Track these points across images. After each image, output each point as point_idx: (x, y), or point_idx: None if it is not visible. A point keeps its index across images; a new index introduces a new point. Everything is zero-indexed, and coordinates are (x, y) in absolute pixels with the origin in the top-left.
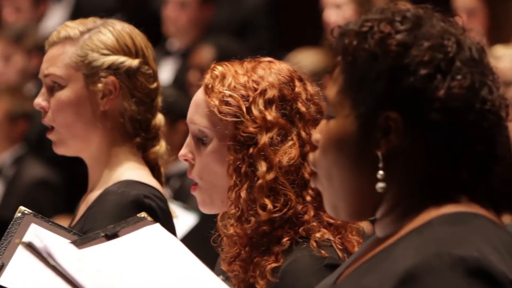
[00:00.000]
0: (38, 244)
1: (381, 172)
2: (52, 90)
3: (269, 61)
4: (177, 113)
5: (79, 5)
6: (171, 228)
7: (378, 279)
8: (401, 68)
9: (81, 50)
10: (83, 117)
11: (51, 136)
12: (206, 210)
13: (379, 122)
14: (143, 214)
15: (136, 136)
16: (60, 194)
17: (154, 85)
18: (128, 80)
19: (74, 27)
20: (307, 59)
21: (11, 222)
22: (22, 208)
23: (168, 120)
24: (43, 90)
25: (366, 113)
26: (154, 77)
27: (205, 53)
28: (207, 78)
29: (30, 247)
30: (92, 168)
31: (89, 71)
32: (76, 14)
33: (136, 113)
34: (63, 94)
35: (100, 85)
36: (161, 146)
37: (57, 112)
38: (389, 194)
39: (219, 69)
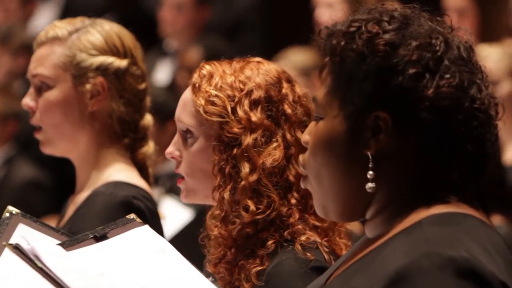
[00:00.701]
0: (25, 245)
1: (370, 172)
2: (40, 90)
3: (258, 62)
4: (166, 113)
5: (68, 5)
6: (159, 229)
7: (368, 280)
8: (390, 67)
9: (69, 50)
10: (71, 118)
11: (38, 136)
12: (187, 201)
13: (369, 122)
14: (132, 216)
15: (124, 137)
16: (51, 194)
17: (143, 85)
18: (117, 80)
19: (63, 27)
20: (297, 57)
21: None
22: (10, 208)
23: (157, 120)
24: (31, 90)
25: (355, 113)
26: (143, 77)
27: (193, 53)
28: (195, 77)
29: (17, 249)
30: (80, 168)
31: (77, 72)
32: (65, 14)
33: (125, 114)
34: (51, 95)
35: (88, 86)
36: (149, 147)
37: (44, 112)
38: (379, 194)
39: (207, 68)
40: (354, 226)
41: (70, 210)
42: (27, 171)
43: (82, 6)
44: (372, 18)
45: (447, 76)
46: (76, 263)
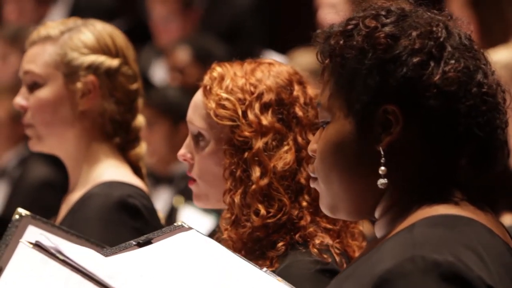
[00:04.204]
0: (46, 242)
1: (383, 168)
2: (32, 88)
3: (269, 63)
4: (179, 114)
5: (77, 6)
6: (157, 225)
7: (356, 284)
8: (392, 59)
9: (61, 49)
10: (62, 116)
11: (28, 132)
12: (200, 205)
13: (378, 117)
14: (180, 222)
15: (115, 136)
16: (64, 194)
17: (135, 86)
18: (108, 80)
19: (55, 27)
20: (305, 58)
21: (9, 225)
22: (19, 210)
23: (170, 121)
24: (23, 89)
25: (362, 110)
26: (135, 77)
27: (182, 53)
28: (206, 79)
29: (38, 246)
30: (71, 167)
31: (68, 70)
32: (74, 15)
33: (116, 113)
34: (42, 93)
35: (79, 84)
36: (142, 148)
37: (35, 110)
38: (388, 192)
39: (218, 70)
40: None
41: (64, 210)
42: (40, 172)
43: (91, 7)
44: (369, 14)
45: (452, 61)
46: (111, 262)
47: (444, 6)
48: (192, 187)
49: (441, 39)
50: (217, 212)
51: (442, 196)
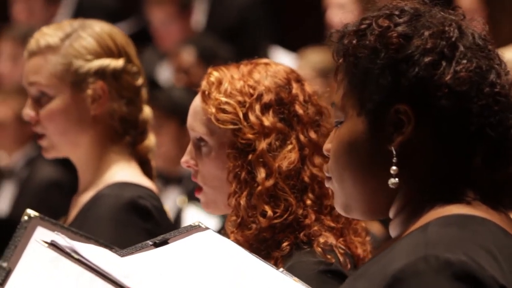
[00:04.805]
0: (61, 242)
1: (394, 167)
2: (39, 99)
3: (266, 63)
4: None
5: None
6: (167, 226)
7: (369, 283)
8: (405, 59)
9: (64, 58)
10: (74, 123)
11: (42, 143)
12: (209, 212)
13: (390, 117)
14: (197, 222)
15: (125, 134)
16: (72, 195)
17: (140, 81)
18: (115, 81)
19: (53, 34)
20: (316, 57)
21: (18, 226)
22: (28, 211)
23: (177, 122)
24: (29, 100)
25: (374, 110)
26: (139, 73)
27: (187, 54)
28: (204, 84)
29: (53, 245)
30: (82, 169)
31: (76, 79)
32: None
33: (125, 112)
34: (53, 105)
35: (89, 91)
36: (150, 140)
37: (48, 122)
38: (401, 192)
39: (215, 74)
40: (374, 228)
41: (74, 211)
42: (48, 172)
43: (95, 7)
44: (382, 14)
45: (464, 61)
46: (127, 262)
47: (458, 5)
48: (200, 196)
49: (453, 39)
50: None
51: (455, 196)
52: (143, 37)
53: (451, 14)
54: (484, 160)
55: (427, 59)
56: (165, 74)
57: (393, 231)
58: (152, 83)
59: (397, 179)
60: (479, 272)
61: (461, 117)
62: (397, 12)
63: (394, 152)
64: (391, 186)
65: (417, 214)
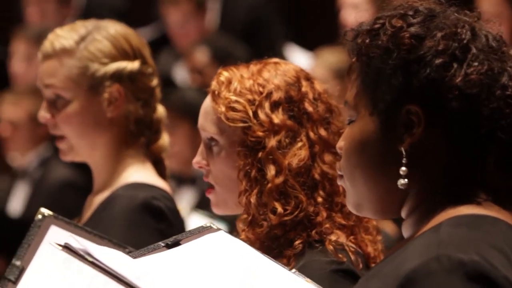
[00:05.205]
0: (75, 244)
1: (403, 168)
2: (54, 102)
3: (275, 62)
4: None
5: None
6: (181, 227)
7: (382, 283)
8: (416, 60)
9: (80, 62)
10: (91, 126)
11: (61, 145)
12: (220, 212)
13: (401, 117)
14: (208, 224)
15: (140, 135)
16: (87, 195)
17: (155, 82)
18: (131, 83)
19: (68, 37)
20: (332, 57)
21: (31, 225)
22: (42, 210)
23: (191, 123)
24: (45, 103)
25: (386, 110)
26: (154, 73)
27: (201, 55)
28: (214, 84)
29: (67, 248)
30: (97, 170)
31: (92, 82)
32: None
33: (140, 113)
34: (69, 108)
35: (105, 95)
36: (164, 139)
37: (65, 125)
38: (412, 192)
39: (225, 74)
40: (387, 227)
41: (88, 211)
42: (62, 172)
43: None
44: (396, 14)
45: (475, 64)
46: (139, 264)
47: (476, 6)
48: (210, 195)
49: (465, 41)
50: (224, 219)
51: (467, 197)
52: (164, 43)
53: (466, 15)
54: (495, 162)
55: (438, 61)
56: (181, 74)
57: (405, 231)
58: (169, 84)
59: (406, 180)
60: (491, 272)
61: (471, 119)
62: (411, 12)
63: (404, 153)
64: (400, 186)
65: (430, 215)
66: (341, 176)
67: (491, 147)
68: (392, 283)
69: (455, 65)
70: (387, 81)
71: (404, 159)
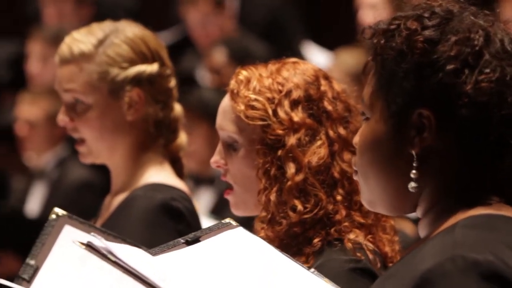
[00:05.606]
0: (97, 243)
1: (414, 171)
2: (74, 106)
3: (294, 62)
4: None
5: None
6: (198, 228)
7: (398, 283)
8: (429, 64)
9: (100, 67)
10: (111, 130)
11: (81, 149)
12: (239, 213)
13: (412, 120)
14: (227, 220)
15: (159, 136)
16: (104, 195)
17: (173, 83)
18: (151, 86)
19: (86, 41)
20: (350, 59)
21: (45, 224)
22: (56, 210)
23: (209, 123)
24: (64, 107)
25: (398, 112)
26: (172, 74)
27: (219, 55)
28: (232, 83)
29: (89, 246)
30: (116, 172)
31: (112, 87)
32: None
33: (159, 115)
34: (90, 113)
35: (126, 99)
36: (182, 139)
37: (86, 129)
38: (425, 193)
39: (243, 73)
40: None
41: (106, 212)
42: (79, 173)
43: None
44: (413, 15)
45: (487, 70)
46: (160, 262)
47: (496, 6)
48: (229, 197)
49: (478, 47)
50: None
51: (479, 199)
52: (187, 45)
53: (484, 17)
54: (507, 168)
55: (450, 67)
56: (203, 75)
57: (422, 231)
58: (193, 85)
59: (416, 183)
60: (506, 271)
61: (481, 126)
62: (427, 14)
63: (415, 156)
64: (410, 190)
65: (444, 215)
66: (356, 172)
67: (502, 153)
68: (407, 283)
69: (466, 72)
70: (399, 84)
71: (415, 162)
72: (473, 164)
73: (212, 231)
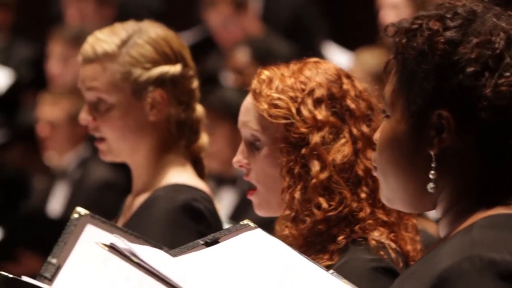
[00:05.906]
0: (120, 244)
1: (432, 172)
2: (96, 105)
3: (316, 62)
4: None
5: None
6: (220, 228)
7: (416, 282)
8: (449, 66)
9: (123, 67)
10: (133, 130)
11: (101, 147)
12: (262, 213)
13: (432, 121)
14: (246, 221)
15: (181, 137)
16: (125, 196)
17: (195, 84)
18: (173, 87)
19: (109, 41)
20: (371, 59)
21: (67, 223)
22: (78, 209)
23: (231, 123)
24: (86, 106)
25: (417, 112)
26: (194, 75)
27: (241, 55)
28: (254, 83)
29: (112, 248)
30: (138, 172)
31: (135, 87)
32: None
33: (181, 116)
34: (112, 112)
35: (148, 99)
36: (203, 139)
37: (108, 128)
38: (444, 193)
39: (265, 73)
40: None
41: (128, 212)
42: (101, 173)
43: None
44: (435, 15)
45: (507, 74)
46: (181, 263)
47: None
48: (252, 197)
49: (498, 51)
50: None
51: (499, 200)
52: (210, 45)
53: (505, 21)
54: None
55: (470, 69)
56: (226, 74)
57: (442, 231)
58: (217, 85)
59: (434, 184)
60: None
61: (500, 130)
62: (449, 15)
63: (434, 157)
64: (429, 190)
65: (463, 215)
66: (375, 168)
67: None
68: (426, 282)
69: (486, 75)
70: (419, 84)
71: (434, 162)
72: (493, 167)
73: (230, 232)
